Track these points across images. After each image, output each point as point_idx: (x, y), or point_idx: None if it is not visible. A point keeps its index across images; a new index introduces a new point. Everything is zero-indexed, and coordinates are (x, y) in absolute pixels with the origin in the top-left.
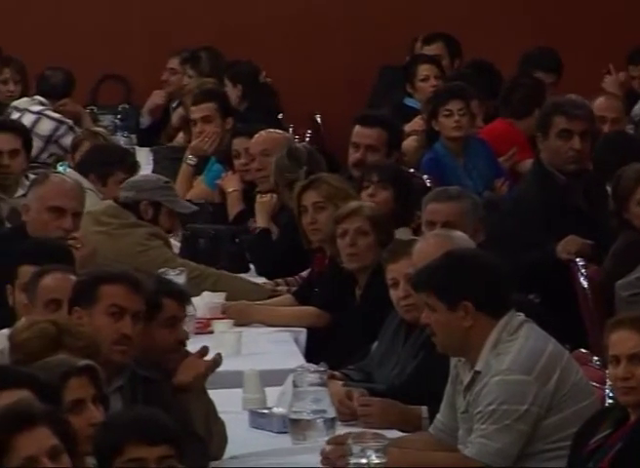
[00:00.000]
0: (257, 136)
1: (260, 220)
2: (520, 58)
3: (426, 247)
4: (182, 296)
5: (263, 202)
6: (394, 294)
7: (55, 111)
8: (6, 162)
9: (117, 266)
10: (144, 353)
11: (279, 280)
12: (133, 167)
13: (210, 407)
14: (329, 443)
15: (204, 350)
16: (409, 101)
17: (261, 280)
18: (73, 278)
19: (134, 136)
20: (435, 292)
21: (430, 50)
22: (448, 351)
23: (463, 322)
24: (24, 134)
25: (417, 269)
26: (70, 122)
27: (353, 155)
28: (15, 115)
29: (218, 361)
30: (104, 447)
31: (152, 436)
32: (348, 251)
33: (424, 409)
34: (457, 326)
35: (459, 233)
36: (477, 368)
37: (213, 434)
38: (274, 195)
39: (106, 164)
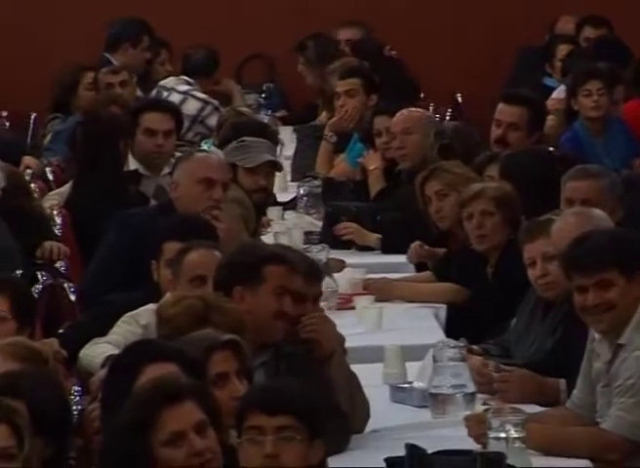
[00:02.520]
0: (398, 114)
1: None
2: None
3: (566, 225)
4: (311, 273)
5: None
6: (532, 274)
7: (202, 91)
8: (160, 141)
9: None
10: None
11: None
12: (274, 141)
13: (353, 380)
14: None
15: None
16: (548, 81)
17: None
18: (218, 254)
19: (277, 114)
20: (618, 267)
21: (596, 33)
22: (614, 328)
23: (638, 293)
24: (177, 114)
25: (582, 250)
26: (216, 102)
27: (495, 132)
28: (162, 94)
29: None
30: (236, 415)
31: (271, 406)
32: (476, 233)
33: (562, 381)
34: (632, 297)
35: (598, 211)
36: (620, 341)
37: (356, 407)
38: None
39: None
